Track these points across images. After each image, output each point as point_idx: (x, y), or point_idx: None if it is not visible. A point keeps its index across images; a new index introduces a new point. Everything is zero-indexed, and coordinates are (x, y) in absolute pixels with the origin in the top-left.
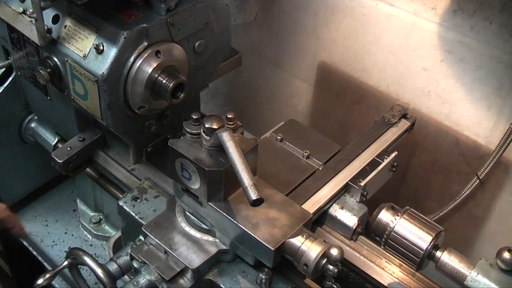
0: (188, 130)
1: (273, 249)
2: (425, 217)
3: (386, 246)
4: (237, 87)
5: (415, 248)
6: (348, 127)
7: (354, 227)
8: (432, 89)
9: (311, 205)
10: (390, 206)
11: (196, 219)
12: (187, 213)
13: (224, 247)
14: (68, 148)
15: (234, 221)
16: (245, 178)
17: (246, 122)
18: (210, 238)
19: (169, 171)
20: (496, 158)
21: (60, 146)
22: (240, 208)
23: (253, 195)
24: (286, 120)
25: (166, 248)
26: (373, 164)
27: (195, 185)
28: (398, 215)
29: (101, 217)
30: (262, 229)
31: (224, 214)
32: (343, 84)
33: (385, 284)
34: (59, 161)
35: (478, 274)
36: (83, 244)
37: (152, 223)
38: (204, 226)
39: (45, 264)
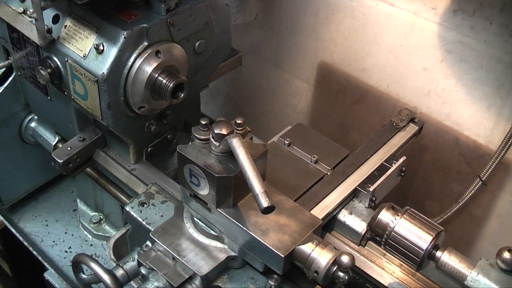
0: (197, 135)
1: (283, 256)
2: (425, 217)
3: (386, 246)
4: (237, 87)
5: (415, 248)
6: (348, 127)
7: (363, 232)
8: (432, 89)
9: (320, 211)
10: (390, 206)
11: (204, 225)
12: (195, 219)
13: (233, 253)
14: (68, 148)
15: (244, 228)
16: (256, 185)
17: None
18: (219, 245)
19: (169, 171)
20: (498, 159)
21: (60, 146)
22: (250, 214)
23: (265, 203)
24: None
25: (174, 254)
26: (381, 169)
27: (204, 191)
28: (398, 215)
29: (101, 217)
30: (271, 236)
31: (233, 220)
32: (343, 84)
33: (385, 284)
34: (59, 161)
35: (478, 274)
36: (83, 244)
37: (160, 229)
38: (212, 232)
39: (45, 264)
